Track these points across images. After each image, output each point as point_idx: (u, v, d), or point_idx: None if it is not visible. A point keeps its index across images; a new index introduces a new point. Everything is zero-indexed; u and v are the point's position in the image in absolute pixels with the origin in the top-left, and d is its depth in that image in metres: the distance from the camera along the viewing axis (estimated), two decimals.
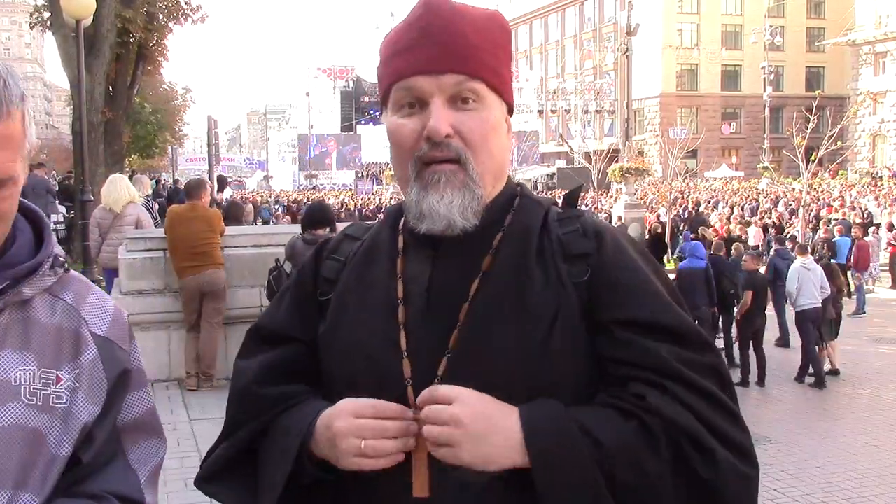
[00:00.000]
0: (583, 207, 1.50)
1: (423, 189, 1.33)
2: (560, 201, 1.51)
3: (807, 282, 11.52)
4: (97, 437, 1.37)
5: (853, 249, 19.02)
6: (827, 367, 11.72)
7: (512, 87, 1.45)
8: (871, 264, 19.51)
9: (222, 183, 20.12)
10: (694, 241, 13.12)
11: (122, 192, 9.99)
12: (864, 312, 16.96)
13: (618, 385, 1.28)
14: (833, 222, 24.10)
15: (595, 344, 1.31)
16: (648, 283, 1.34)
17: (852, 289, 17.58)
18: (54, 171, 30.88)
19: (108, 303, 1.46)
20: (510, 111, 1.45)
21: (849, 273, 18.22)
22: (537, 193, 1.61)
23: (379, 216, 1.51)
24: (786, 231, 24.89)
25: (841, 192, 37.23)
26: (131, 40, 20.19)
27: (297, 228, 8.07)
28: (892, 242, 21.34)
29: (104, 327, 1.41)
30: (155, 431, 1.50)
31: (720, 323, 11.91)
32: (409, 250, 1.42)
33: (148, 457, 1.47)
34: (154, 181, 29.43)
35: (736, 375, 10.58)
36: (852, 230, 19.83)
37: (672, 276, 18.97)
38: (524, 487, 1.23)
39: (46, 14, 19.35)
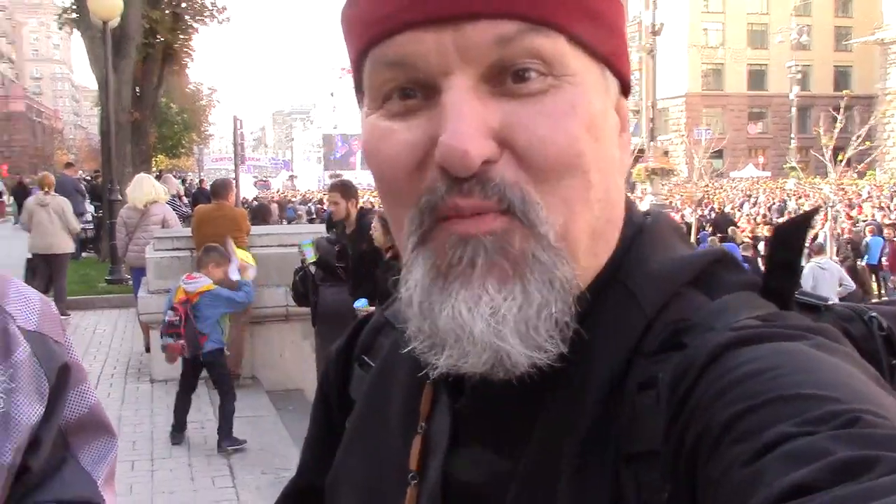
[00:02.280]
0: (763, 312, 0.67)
1: (437, 279, 0.66)
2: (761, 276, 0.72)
3: (821, 281, 11.43)
4: (44, 441, 1.26)
5: (884, 250, 18.77)
6: None
7: (625, 40, 0.75)
8: None
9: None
10: (729, 243, 13.00)
11: (146, 190, 10.09)
12: None
13: None
14: (860, 223, 23.83)
15: None
16: None
17: (883, 290, 17.37)
18: (81, 171, 31.21)
19: (32, 295, 1.33)
20: (626, 92, 0.76)
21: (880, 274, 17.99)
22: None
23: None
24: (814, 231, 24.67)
25: (870, 192, 36.83)
26: (157, 41, 20.34)
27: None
28: None
29: (33, 321, 1.27)
30: (104, 428, 1.39)
31: None
32: (441, 382, 0.77)
33: (101, 456, 1.37)
34: (181, 180, 29.67)
35: None
36: (884, 231, 19.54)
37: None
38: None
39: (74, 15, 19.53)
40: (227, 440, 6.35)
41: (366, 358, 0.89)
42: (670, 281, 0.70)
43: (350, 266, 6.95)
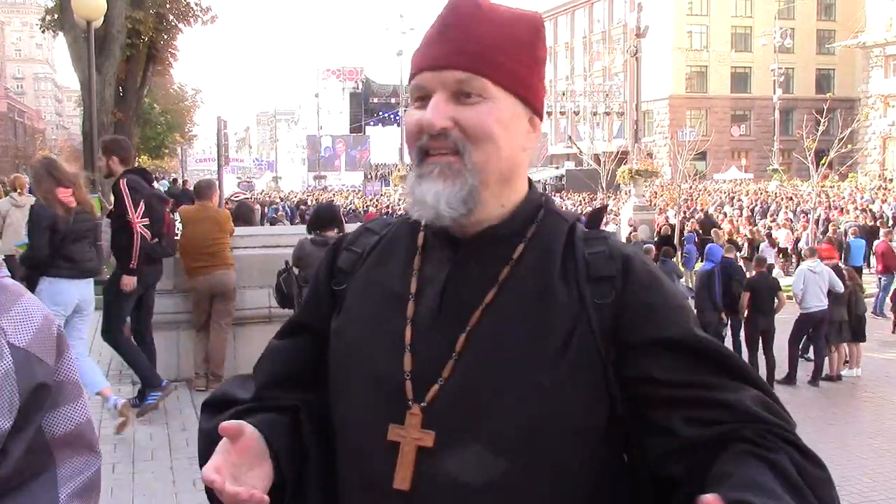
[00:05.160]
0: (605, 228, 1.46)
1: (419, 178, 1.34)
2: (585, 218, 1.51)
3: (812, 284, 11.48)
4: (12, 452, 1.29)
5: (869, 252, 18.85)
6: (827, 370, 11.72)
7: (539, 90, 1.42)
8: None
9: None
10: (711, 244, 13.11)
11: None
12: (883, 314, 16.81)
13: (665, 406, 1.27)
14: (843, 224, 24.00)
15: (619, 367, 1.30)
16: (683, 308, 1.35)
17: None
18: None
19: (36, 313, 1.36)
20: (539, 115, 1.42)
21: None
22: (561, 205, 1.55)
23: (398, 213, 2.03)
24: (796, 233, 24.81)
25: (852, 194, 37.07)
26: (141, 41, 20.25)
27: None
28: None
29: (25, 339, 1.31)
30: (87, 445, 1.43)
31: (728, 326, 11.88)
32: (429, 249, 1.42)
33: (76, 472, 1.40)
34: (173, 181, 29.52)
35: None
36: (881, 232, 19.56)
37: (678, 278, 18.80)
38: (519, 496, 1.26)
39: (57, 15, 19.42)
40: None
41: (352, 247, 1.52)
42: (572, 215, 1.46)
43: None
